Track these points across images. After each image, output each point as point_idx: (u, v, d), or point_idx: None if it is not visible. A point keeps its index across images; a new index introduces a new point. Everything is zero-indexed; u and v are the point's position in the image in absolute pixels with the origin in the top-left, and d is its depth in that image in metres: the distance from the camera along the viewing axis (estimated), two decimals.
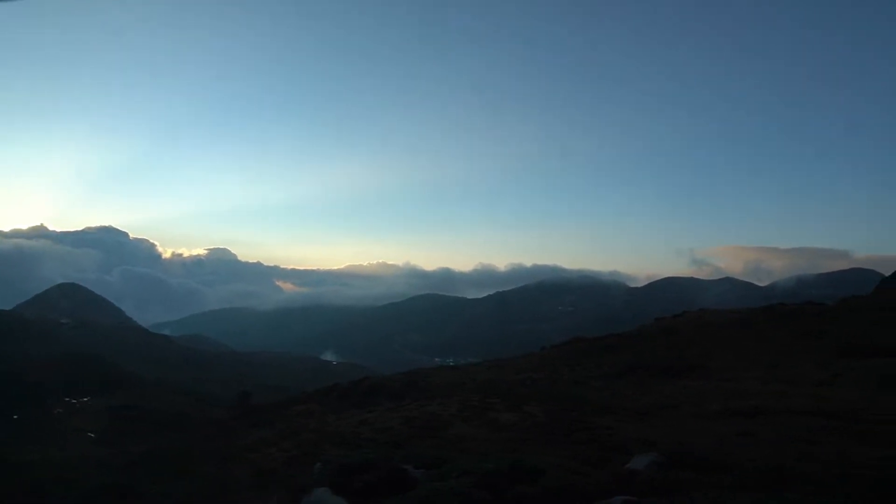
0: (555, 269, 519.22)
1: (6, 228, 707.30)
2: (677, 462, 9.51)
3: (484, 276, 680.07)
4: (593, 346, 45.30)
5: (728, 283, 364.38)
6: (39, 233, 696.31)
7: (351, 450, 13.23)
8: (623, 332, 47.88)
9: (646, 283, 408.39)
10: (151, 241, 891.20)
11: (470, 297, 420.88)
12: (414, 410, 20.14)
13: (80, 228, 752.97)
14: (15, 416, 48.15)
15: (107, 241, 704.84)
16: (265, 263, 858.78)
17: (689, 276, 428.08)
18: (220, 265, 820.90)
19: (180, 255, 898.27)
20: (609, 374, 35.40)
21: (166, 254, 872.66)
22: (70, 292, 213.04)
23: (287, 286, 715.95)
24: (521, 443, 13.15)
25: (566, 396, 24.98)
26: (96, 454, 33.14)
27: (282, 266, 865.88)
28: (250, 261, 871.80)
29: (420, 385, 40.89)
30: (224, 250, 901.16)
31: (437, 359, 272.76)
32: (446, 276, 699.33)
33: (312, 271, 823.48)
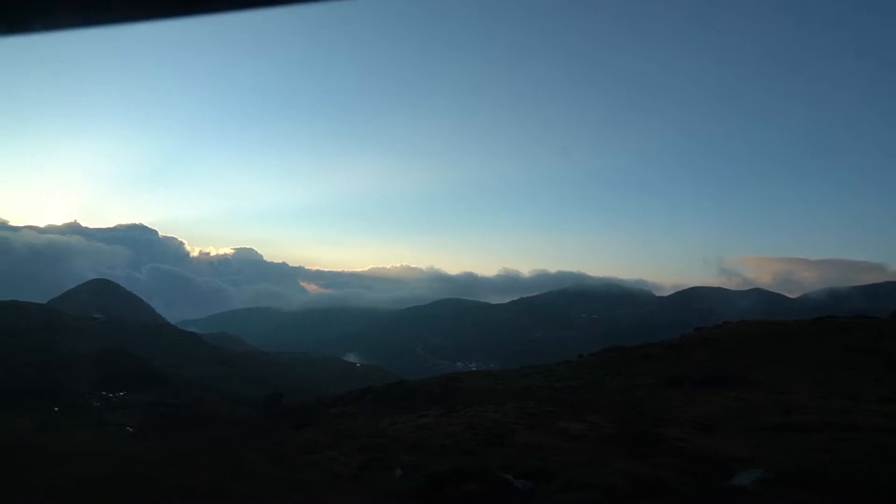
0: (579, 276, 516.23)
1: (41, 224, 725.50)
2: (786, 479, 9.07)
3: (508, 281, 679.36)
4: (632, 355, 44.47)
5: (757, 294, 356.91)
6: (73, 229, 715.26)
7: (424, 456, 12.95)
8: (663, 342, 46.98)
9: (672, 292, 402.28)
10: (180, 239, 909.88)
11: (493, 302, 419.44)
12: (472, 416, 19.80)
13: (111, 226, 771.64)
14: (56, 409, 49.02)
15: (137, 239, 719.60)
16: (290, 264, 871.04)
17: (717, 286, 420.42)
18: (246, 265, 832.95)
19: (207, 253, 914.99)
20: (652, 384, 34.68)
21: (194, 252, 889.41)
22: (102, 288, 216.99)
23: (311, 287, 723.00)
24: (602, 454, 12.75)
25: (617, 406, 24.46)
26: (140, 449, 33.38)
27: (306, 267, 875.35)
28: (276, 261, 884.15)
29: (458, 390, 40.56)
30: (250, 250, 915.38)
31: (458, 363, 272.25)
32: (470, 280, 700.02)
33: (336, 273, 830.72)
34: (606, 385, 36.34)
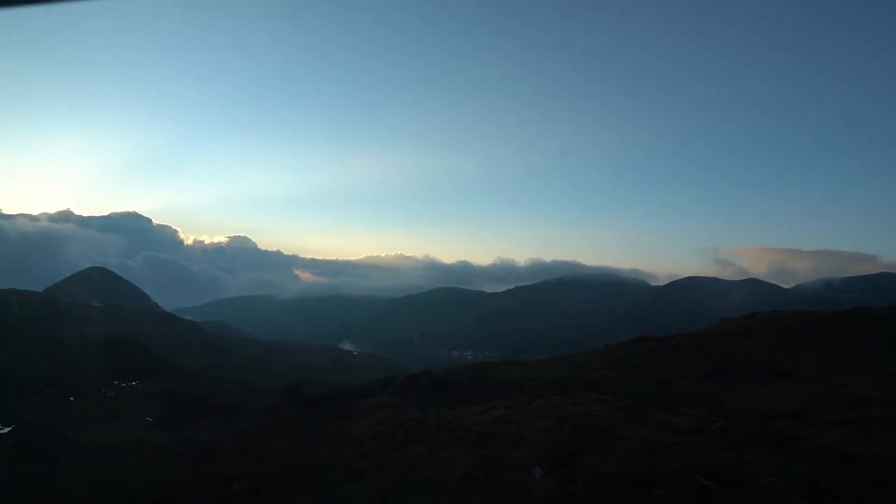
0: (574, 266, 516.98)
1: (35, 212, 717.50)
2: None
3: (503, 270, 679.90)
4: (663, 346, 43.91)
5: (752, 284, 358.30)
6: (66, 217, 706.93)
7: (546, 453, 12.14)
8: (693, 332, 46.60)
9: (667, 281, 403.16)
10: (174, 227, 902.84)
11: (489, 291, 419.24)
12: (554, 409, 19.02)
13: (105, 214, 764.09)
14: (71, 398, 47.96)
15: (131, 227, 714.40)
16: (284, 252, 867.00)
17: (712, 276, 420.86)
18: (241, 253, 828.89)
19: (202, 242, 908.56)
20: (693, 375, 34.08)
21: (188, 240, 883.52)
22: (97, 276, 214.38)
23: (306, 276, 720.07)
24: (738, 450, 12.04)
25: (682, 396, 23.79)
26: (170, 441, 32.59)
27: (301, 255, 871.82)
28: (270, 249, 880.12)
29: (488, 380, 39.76)
30: (244, 238, 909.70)
31: (454, 352, 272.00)
32: (465, 269, 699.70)
33: (331, 261, 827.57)
34: (644, 375, 35.69)
